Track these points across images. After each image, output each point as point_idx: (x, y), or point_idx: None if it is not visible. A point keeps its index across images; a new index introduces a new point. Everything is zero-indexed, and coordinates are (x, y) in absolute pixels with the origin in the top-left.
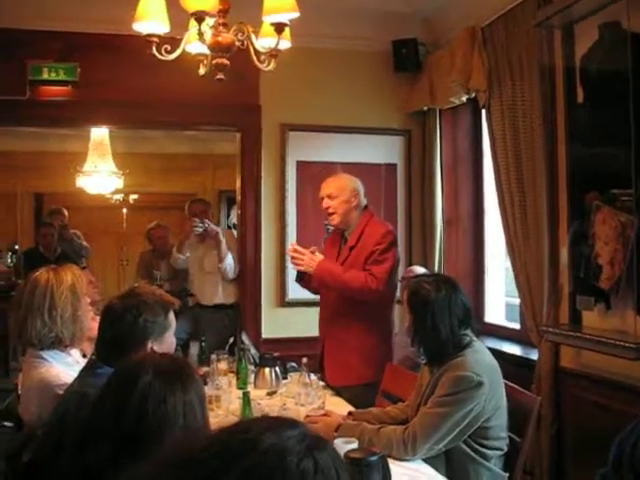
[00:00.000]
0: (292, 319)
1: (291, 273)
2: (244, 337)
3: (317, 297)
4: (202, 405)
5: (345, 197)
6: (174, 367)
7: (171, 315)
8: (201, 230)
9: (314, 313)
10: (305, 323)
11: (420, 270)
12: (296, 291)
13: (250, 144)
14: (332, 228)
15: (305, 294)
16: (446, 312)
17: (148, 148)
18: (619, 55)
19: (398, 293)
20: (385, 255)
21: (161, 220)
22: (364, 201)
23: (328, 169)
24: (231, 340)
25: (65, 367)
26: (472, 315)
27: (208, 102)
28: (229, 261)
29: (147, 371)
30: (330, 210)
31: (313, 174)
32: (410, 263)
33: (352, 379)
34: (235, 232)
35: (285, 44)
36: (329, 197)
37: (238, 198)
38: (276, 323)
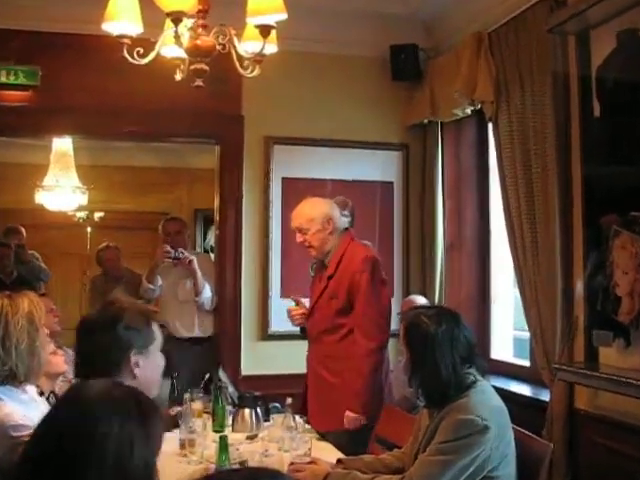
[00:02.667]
0: (275, 354)
1: (274, 303)
2: (221, 374)
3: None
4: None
5: (317, 227)
6: (130, 397)
7: (155, 326)
8: (172, 259)
9: (300, 347)
10: (290, 358)
11: (420, 300)
12: (280, 323)
13: (230, 158)
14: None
15: (290, 326)
16: (447, 349)
17: (116, 161)
18: (639, 65)
19: (393, 325)
20: (370, 291)
21: (131, 240)
22: (343, 223)
23: (317, 187)
24: (207, 377)
25: (19, 405)
26: (476, 352)
27: (184, 111)
28: (207, 293)
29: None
30: (305, 244)
31: (300, 192)
32: (408, 292)
33: (338, 422)
34: (212, 256)
35: (271, 48)
36: (300, 231)
37: (216, 218)
38: (257, 358)
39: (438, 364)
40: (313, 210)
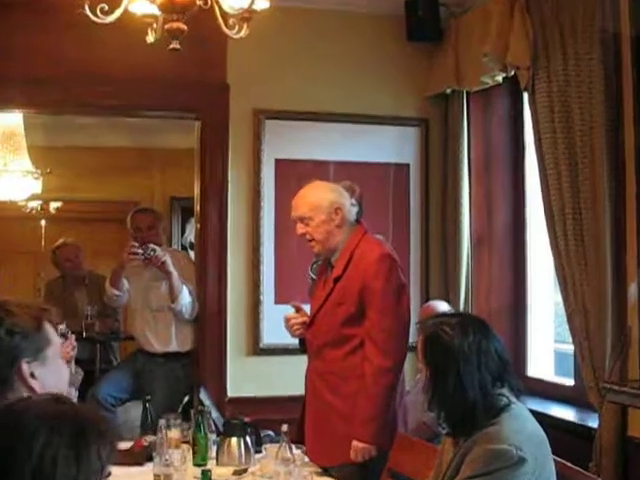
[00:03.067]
0: (268, 372)
1: (267, 311)
2: (203, 396)
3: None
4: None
5: (322, 217)
6: (68, 415)
7: (48, 327)
8: (141, 259)
9: (298, 363)
10: (286, 377)
11: (441, 307)
12: (273, 334)
13: (214, 136)
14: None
15: (286, 338)
16: (475, 365)
17: (77, 141)
18: None
19: (411, 338)
20: (386, 296)
21: (94, 235)
22: (353, 214)
23: (317, 170)
24: (186, 400)
25: None
26: (510, 369)
27: (158, 80)
28: (185, 299)
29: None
30: (307, 237)
31: (297, 176)
32: (427, 298)
33: (344, 454)
34: (192, 255)
35: (262, 3)
36: (302, 221)
37: (197, 208)
38: (247, 377)
39: (464, 383)
40: (318, 196)
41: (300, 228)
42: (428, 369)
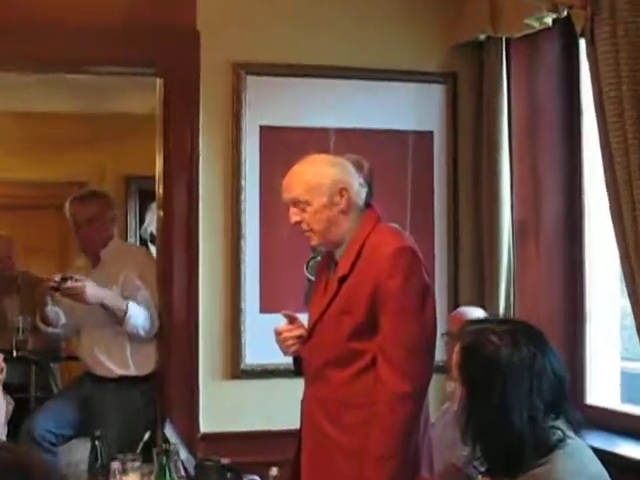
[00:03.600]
0: (253, 400)
1: (250, 322)
2: (169, 431)
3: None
4: None
5: (323, 200)
6: (14, 463)
7: None
8: (54, 294)
9: (291, 389)
10: (276, 406)
11: (475, 313)
12: (259, 352)
13: (181, 98)
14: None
15: (275, 357)
16: (526, 386)
17: (6, 104)
18: None
19: (437, 354)
20: (405, 302)
21: (29, 226)
22: (362, 196)
23: (313, 139)
24: (146, 436)
25: None
26: (567, 394)
27: (111, 27)
28: (136, 318)
29: None
30: (303, 227)
31: (289, 148)
32: (456, 303)
33: None
34: (153, 250)
35: None
36: (296, 205)
37: (159, 191)
38: (224, 407)
39: (510, 408)
40: (318, 173)
41: (294, 215)
42: (465, 388)
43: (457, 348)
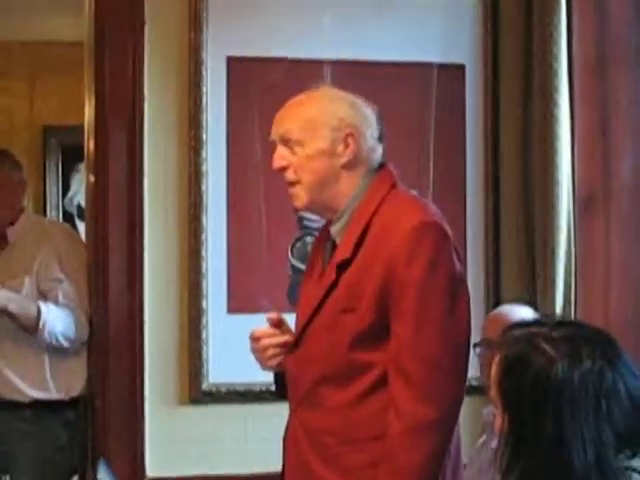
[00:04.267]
0: (217, 433)
1: (216, 327)
2: (103, 474)
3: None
4: None
5: (320, 145)
6: None
7: None
8: None
9: (273, 416)
10: (248, 441)
11: (521, 314)
12: (226, 367)
13: (119, 20)
14: (309, 220)
15: (249, 373)
16: (590, 413)
17: None
18: None
19: (470, 370)
20: (430, 297)
21: None
22: (378, 152)
23: (303, 75)
24: None
25: None
26: None
27: None
28: (52, 324)
29: None
30: (288, 177)
31: (269, 87)
32: (496, 300)
33: None
34: (82, 230)
35: None
36: (285, 143)
37: (89, 148)
38: (180, 443)
39: (568, 444)
40: (322, 109)
41: (279, 157)
42: (507, 416)
43: (496, 361)
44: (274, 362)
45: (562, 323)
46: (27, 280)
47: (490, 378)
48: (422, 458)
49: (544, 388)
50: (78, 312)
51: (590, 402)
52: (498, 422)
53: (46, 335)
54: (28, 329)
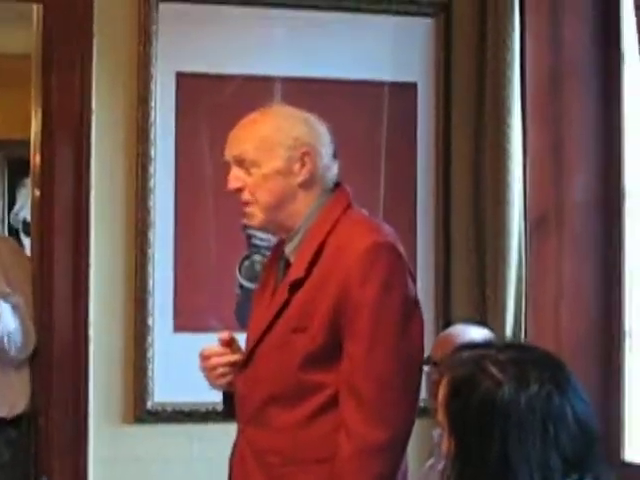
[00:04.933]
0: (163, 453)
1: (161, 345)
2: None
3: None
4: None
5: (276, 164)
6: None
7: None
8: None
9: (220, 436)
10: (195, 461)
11: (471, 334)
12: (173, 386)
13: (67, 33)
14: (258, 239)
15: (196, 393)
16: (537, 437)
17: None
18: None
19: (423, 390)
20: (383, 318)
21: None
22: (333, 171)
23: (254, 92)
24: None
25: None
26: (596, 448)
27: None
28: (6, 322)
29: None
30: (244, 196)
31: (217, 103)
32: (446, 319)
33: None
34: (27, 245)
35: None
36: (240, 164)
37: (35, 162)
38: (124, 463)
39: (514, 468)
40: (276, 128)
41: (234, 178)
42: (453, 439)
43: (443, 383)
44: (223, 381)
45: (510, 345)
46: None
47: (437, 400)
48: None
49: (490, 411)
50: (27, 323)
51: (537, 426)
52: (445, 445)
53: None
54: None
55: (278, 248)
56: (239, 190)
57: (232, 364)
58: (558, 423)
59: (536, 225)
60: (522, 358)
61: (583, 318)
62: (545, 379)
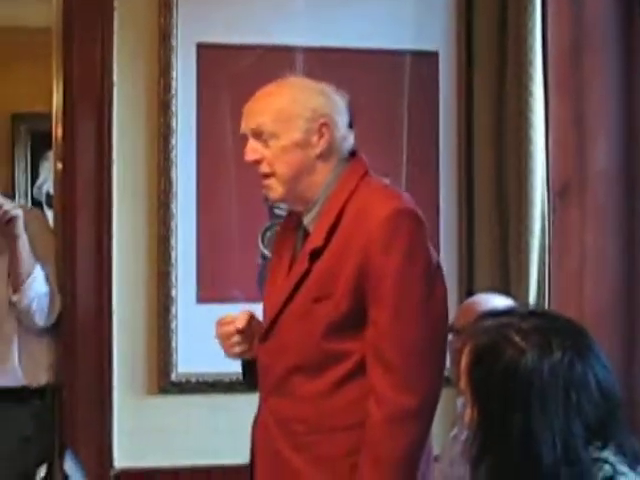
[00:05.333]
0: (186, 423)
1: (184, 317)
2: (70, 466)
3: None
4: None
5: (296, 135)
6: None
7: None
8: None
9: (242, 407)
10: (218, 432)
11: (494, 302)
12: (195, 357)
13: (88, 5)
14: (280, 209)
15: (217, 364)
16: (560, 405)
17: None
18: None
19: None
20: (406, 285)
21: None
22: (350, 141)
23: (274, 62)
24: (42, 474)
25: None
26: (619, 415)
27: None
28: (37, 287)
29: None
30: (262, 169)
31: (239, 75)
32: (469, 289)
33: None
34: (51, 217)
35: None
36: (257, 137)
37: (57, 135)
38: (148, 434)
39: (537, 437)
40: (294, 100)
41: (252, 150)
42: (476, 408)
43: (466, 351)
44: (237, 350)
45: (533, 313)
46: (1, 263)
47: (460, 368)
48: (403, 447)
49: (513, 379)
50: (55, 291)
51: (560, 393)
52: (467, 414)
53: (27, 296)
54: (18, 281)
55: (291, 219)
56: (257, 162)
57: (241, 332)
58: (581, 390)
59: (559, 194)
60: (544, 326)
61: (606, 287)
62: (567, 346)
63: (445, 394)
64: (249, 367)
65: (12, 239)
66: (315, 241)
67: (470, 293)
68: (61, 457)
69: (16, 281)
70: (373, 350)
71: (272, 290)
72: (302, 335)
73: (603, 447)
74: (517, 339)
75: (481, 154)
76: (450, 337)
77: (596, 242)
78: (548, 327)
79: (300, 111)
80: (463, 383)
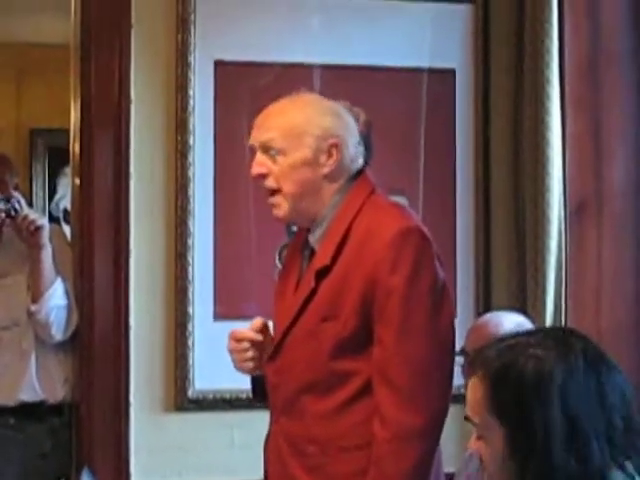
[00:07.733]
0: (203, 441)
1: (201, 333)
2: None
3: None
4: None
5: (304, 154)
6: None
7: None
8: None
9: (259, 423)
10: (235, 449)
11: (503, 322)
12: (212, 374)
13: (106, 22)
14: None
15: (235, 381)
16: (595, 402)
17: None
18: None
19: (456, 379)
20: (413, 305)
21: None
22: (358, 160)
23: (292, 80)
24: None
25: None
26: (637, 424)
27: None
28: (58, 298)
29: None
30: (267, 184)
31: (257, 91)
32: (487, 306)
33: None
34: (68, 232)
35: None
36: (264, 149)
37: (74, 150)
38: (165, 451)
39: (582, 434)
40: (304, 117)
41: (258, 165)
42: (504, 432)
43: (475, 383)
44: (252, 365)
45: (552, 330)
46: (20, 279)
47: (469, 402)
48: (410, 465)
49: (545, 385)
50: (70, 303)
51: (593, 391)
52: (482, 447)
53: (46, 307)
54: (38, 291)
55: (299, 237)
56: (262, 176)
57: (256, 344)
58: (608, 387)
59: (575, 211)
60: (563, 340)
61: (623, 303)
62: (589, 359)
63: (457, 410)
64: (258, 382)
65: (37, 249)
66: (321, 260)
67: (487, 311)
68: (78, 474)
69: (37, 291)
70: (379, 369)
71: (280, 309)
72: (310, 354)
73: (621, 453)
74: (532, 351)
75: (498, 171)
76: (462, 360)
77: (613, 259)
78: (565, 342)
79: (311, 129)
80: (478, 415)
